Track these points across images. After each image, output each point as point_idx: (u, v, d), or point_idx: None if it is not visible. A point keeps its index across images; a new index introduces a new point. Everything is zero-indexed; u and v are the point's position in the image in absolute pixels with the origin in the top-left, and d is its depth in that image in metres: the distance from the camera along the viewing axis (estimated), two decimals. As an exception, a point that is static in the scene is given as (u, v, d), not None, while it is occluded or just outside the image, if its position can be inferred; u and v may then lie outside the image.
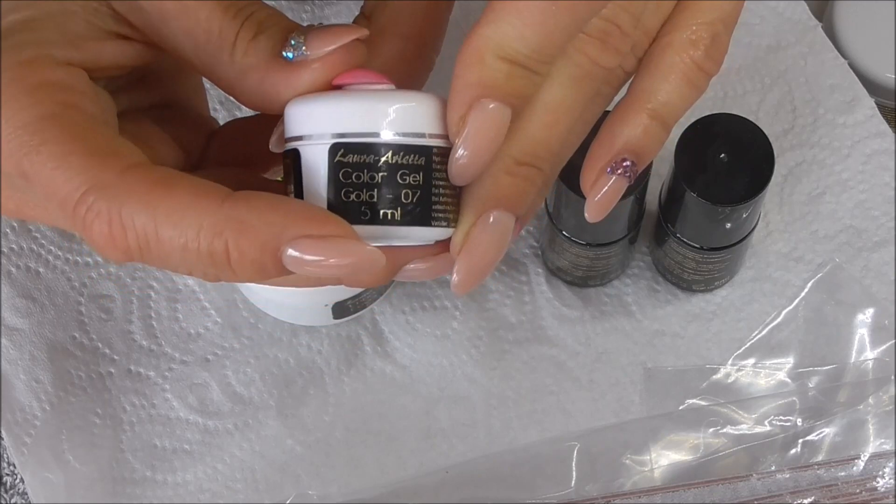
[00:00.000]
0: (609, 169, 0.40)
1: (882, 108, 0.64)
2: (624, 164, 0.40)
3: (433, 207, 0.38)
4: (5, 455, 0.58)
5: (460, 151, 0.37)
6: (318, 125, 0.38)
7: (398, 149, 0.37)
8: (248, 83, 0.39)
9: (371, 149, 0.37)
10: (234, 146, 0.45)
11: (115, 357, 0.59)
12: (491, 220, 0.39)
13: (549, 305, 0.60)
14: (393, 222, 0.38)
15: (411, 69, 0.42)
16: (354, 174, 0.37)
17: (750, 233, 0.57)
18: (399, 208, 0.38)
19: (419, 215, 0.38)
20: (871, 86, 0.64)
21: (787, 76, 0.63)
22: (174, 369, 0.59)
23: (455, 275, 0.39)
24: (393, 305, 0.60)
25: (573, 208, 0.54)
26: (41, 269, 0.60)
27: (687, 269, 0.58)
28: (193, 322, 0.60)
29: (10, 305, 0.59)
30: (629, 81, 0.41)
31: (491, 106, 0.37)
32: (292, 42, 0.39)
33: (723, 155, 0.53)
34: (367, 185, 0.37)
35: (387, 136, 0.37)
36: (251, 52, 0.39)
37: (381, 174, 0.37)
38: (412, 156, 0.37)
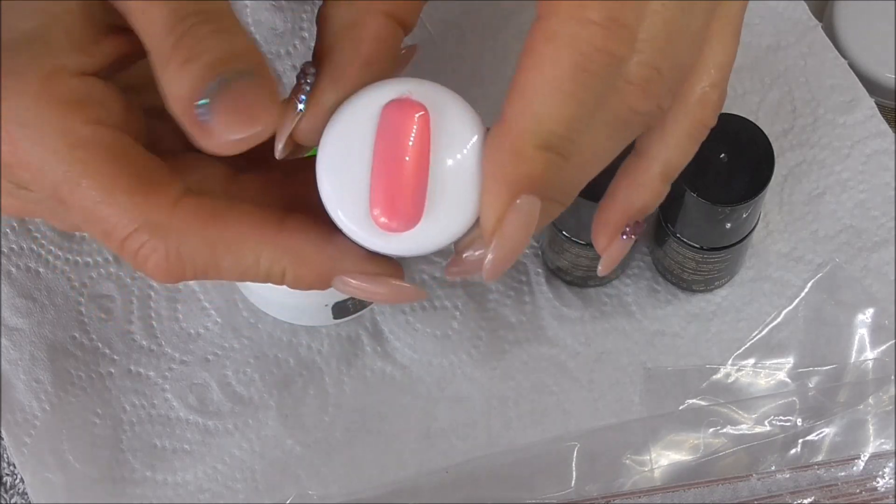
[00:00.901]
0: (623, 234, 0.42)
1: (882, 108, 0.64)
2: (636, 227, 0.42)
3: None
4: (5, 455, 0.58)
5: (496, 252, 0.37)
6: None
7: None
8: (172, 112, 0.37)
9: None
10: None
11: (115, 357, 0.59)
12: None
13: (549, 305, 0.60)
14: None
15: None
16: None
17: (750, 233, 0.57)
18: None
19: None
20: (871, 86, 0.64)
21: (787, 76, 0.63)
22: (174, 369, 0.59)
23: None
24: (393, 305, 0.60)
25: (573, 208, 0.54)
26: (41, 269, 0.60)
27: (687, 269, 0.58)
28: (193, 322, 0.60)
29: (10, 305, 0.59)
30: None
31: (524, 201, 0.36)
32: (202, 100, 0.35)
33: (723, 155, 0.53)
34: None
35: None
36: (175, 82, 0.36)
37: None
38: None
